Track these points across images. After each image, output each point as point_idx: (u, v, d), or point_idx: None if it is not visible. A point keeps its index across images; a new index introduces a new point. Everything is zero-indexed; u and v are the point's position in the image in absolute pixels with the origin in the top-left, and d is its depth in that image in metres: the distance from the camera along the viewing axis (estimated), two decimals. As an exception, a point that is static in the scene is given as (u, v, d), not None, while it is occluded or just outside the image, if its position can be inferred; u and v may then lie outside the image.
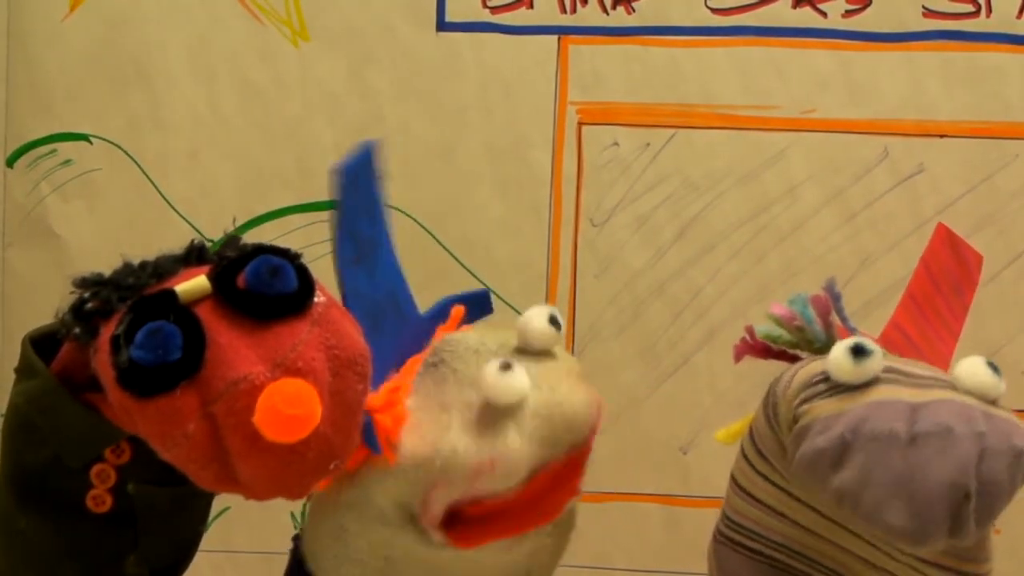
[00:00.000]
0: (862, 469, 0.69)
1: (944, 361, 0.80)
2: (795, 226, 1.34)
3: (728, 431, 0.85)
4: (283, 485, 0.70)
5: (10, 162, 1.37)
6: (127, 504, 0.77)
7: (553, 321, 0.81)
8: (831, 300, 0.80)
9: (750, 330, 0.84)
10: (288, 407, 0.67)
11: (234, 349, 0.68)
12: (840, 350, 0.74)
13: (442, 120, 1.37)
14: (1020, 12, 1.33)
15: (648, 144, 1.35)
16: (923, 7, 1.34)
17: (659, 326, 1.34)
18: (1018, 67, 1.34)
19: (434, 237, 1.34)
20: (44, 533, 0.77)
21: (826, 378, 0.74)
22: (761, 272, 1.33)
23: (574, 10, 1.35)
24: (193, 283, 0.69)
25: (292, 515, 1.34)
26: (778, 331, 0.82)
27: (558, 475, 0.77)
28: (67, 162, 1.36)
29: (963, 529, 0.68)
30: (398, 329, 0.81)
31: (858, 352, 0.73)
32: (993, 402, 0.74)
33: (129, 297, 0.71)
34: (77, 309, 0.72)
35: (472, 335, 0.81)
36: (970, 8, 1.33)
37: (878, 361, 0.73)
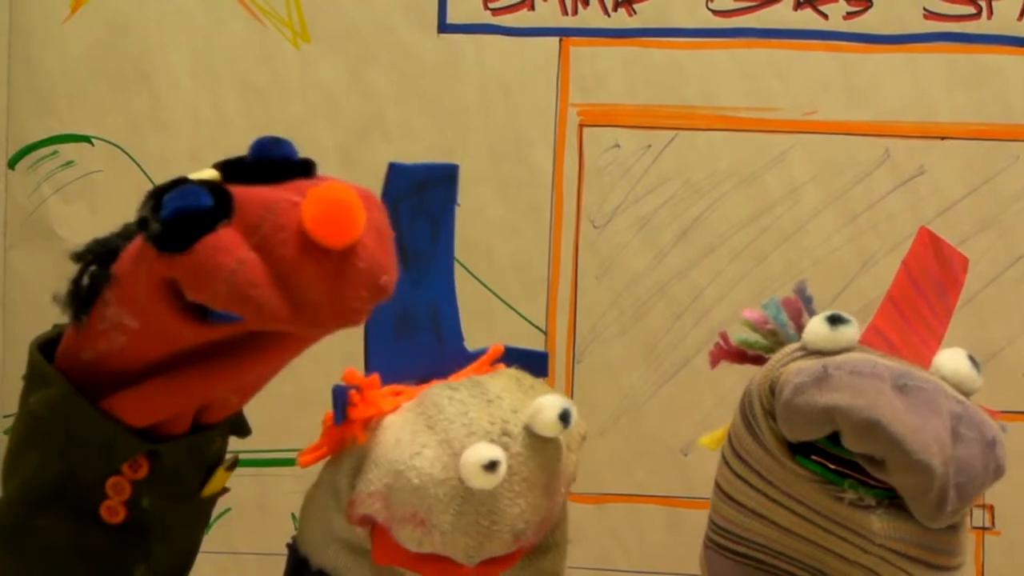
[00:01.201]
0: (850, 389, 0.69)
1: (926, 364, 0.80)
2: (796, 228, 1.34)
3: (712, 436, 0.85)
4: (341, 300, 0.68)
5: (11, 163, 1.37)
6: (141, 517, 0.77)
7: (564, 417, 0.76)
8: (802, 302, 0.81)
9: (724, 336, 0.84)
10: (334, 205, 0.67)
11: (260, 192, 0.68)
12: (816, 320, 0.74)
13: (443, 121, 1.37)
14: (1021, 14, 1.33)
15: (649, 146, 1.35)
16: (924, 9, 1.34)
17: (660, 327, 1.34)
18: (1019, 69, 1.34)
19: (435, 238, 1.34)
20: (56, 541, 0.77)
21: (801, 348, 0.75)
22: (762, 274, 1.33)
23: (575, 12, 1.35)
24: (202, 172, 0.70)
25: (293, 516, 1.34)
26: (752, 336, 0.82)
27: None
28: (69, 163, 1.36)
29: (944, 504, 0.68)
30: (431, 347, 0.81)
31: (834, 320, 0.73)
32: (967, 396, 0.74)
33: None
34: (77, 281, 0.72)
35: (488, 383, 0.79)
36: (971, 10, 1.33)
37: (854, 330, 0.74)
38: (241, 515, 1.36)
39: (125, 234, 0.72)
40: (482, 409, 0.76)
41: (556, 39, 1.36)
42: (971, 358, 0.75)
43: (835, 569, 0.78)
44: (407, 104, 1.37)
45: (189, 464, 0.79)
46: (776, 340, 0.81)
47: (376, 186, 1.35)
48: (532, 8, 1.36)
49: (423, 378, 0.80)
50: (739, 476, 0.80)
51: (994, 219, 1.34)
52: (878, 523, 0.72)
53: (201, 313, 0.69)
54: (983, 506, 1.33)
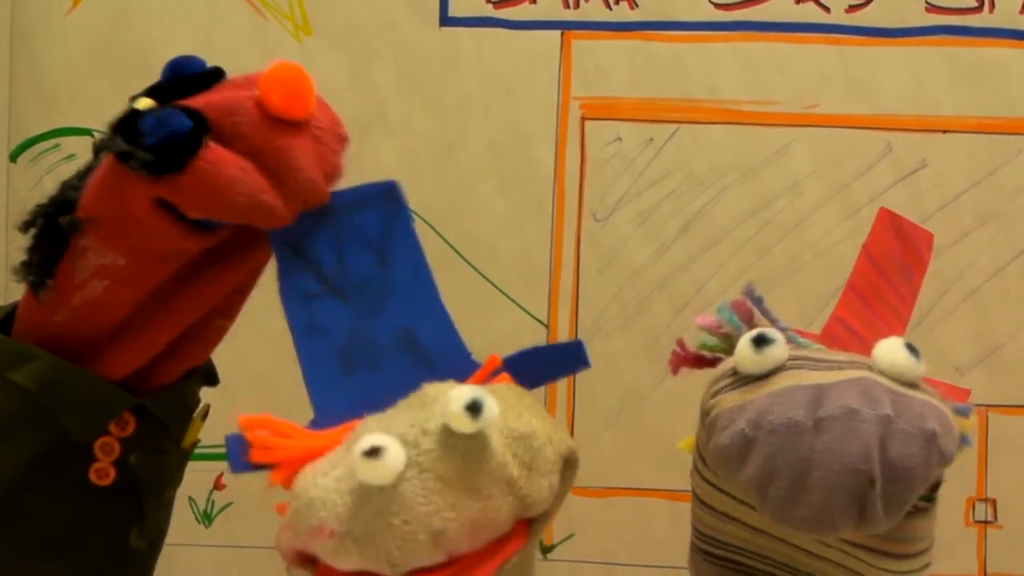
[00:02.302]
0: (765, 462, 0.69)
1: None
2: (798, 221, 1.34)
3: (688, 441, 0.86)
4: (327, 163, 0.72)
5: (13, 157, 1.37)
6: (128, 476, 0.78)
7: (472, 408, 0.72)
8: (752, 303, 0.81)
9: (681, 343, 0.84)
10: (287, 81, 0.71)
11: (214, 100, 0.71)
12: (743, 341, 0.74)
13: (445, 115, 1.37)
14: (1023, 7, 1.33)
15: (651, 139, 1.35)
16: (925, 2, 1.34)
17: (662, 321, 1.34)
18: (1021, 62, 1.34)
19: (437, 232, 1.34)
20: (50, 514, 0.77)
21: (734, 372, 0.75)
22: (764, 267, 1.33)
23: (577, 5, 1.35)
24: (140, 103, 0.72)
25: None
26: (710, 340, 0.82)
27: None
28: (70, 157, 1.36)
29: (871, 516, 0.68)
30: (411, 373, 0.78)
31: (759, 341, 0.73)
32: (913, 384, 0.73)
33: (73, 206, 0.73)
34: (40, 240, 0.74)
35: (435, 388, 0.76)
36: (973, 3, 1.33)
37: (780, 349, 0.73)
38: (243, 508, 1.36)
39: (72, 185, 0.74)
40: (408, 414, 0.73)
41: (558, 32, 1.36)
42: (909, 346, 0.74)
43: (807, 565, 0.78)
44: (408, 97, 1.37)
45: (174, 416, 0.80)
46: (731, 343, 0.81)
47: (377, 180, 1.36)
48: (534, 1, 1.36)
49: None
50: (707, 481, 0.81)
51: (996, 213, 1.34)
52: (820, 533, 0.72)
53: (199, 225, 0.71)
54: (985, 500, 1.33)
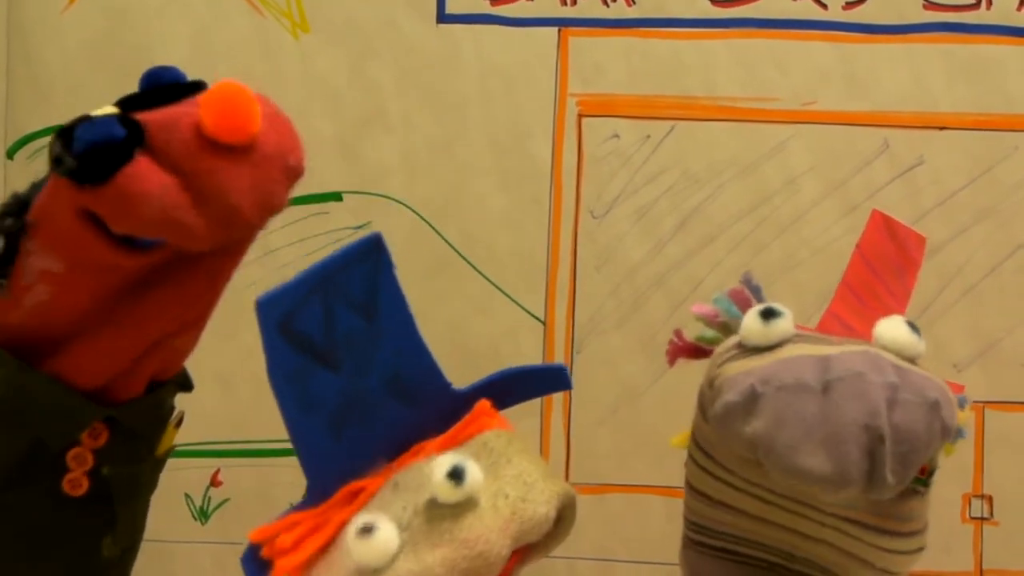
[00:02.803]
0: (774, 416, 0.69)
1: None
2: (795, 218, 1.34)
3: (682, 436, 0.86)
4: (260, 193, 0.70)
5: (10, 154, 1.37)
6: (101, 486, 0.78)
7: (453, 475, 0.73)
8: (750, 292, 0.81)
9: (678, 333, 0.84)
10: (226, 102, 0.69)
11: (159, 114, 0.69)
12: (750, 314, 0.75)
13: (442, 112, 1.37)
14: (1021, 4, 1.33)
15: (648, 136, 1.35)
16: (923, -1, 1.34)
17: (659, 318, 1.34)
18: (1019, 59, 1.34)
19: (434, 229, 1.34)
20: (21, 522, 0.77)
21: (739, 345, 0.75)
22: (762, 264, 1.33)
23: (574, 2, 1.35)
24: (103, 109, 0.71)
25: (291, 506, 1.34)
26: (707, 331, 0.82)
27: None
28: (67, 154, 1.36)
29: (879, 475, 0.68)
30: (398, 419, 0.79)
31: (767, 314, 0.74)
32: (912, 360, 0.74)
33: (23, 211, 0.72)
34: None
35: (430, 466, 0.77)
36: (971, 0, 1.33)
37: (788, 322, 0.74)
38: (240, 506, 1.35)
39: (37, 185, 0.73)
40: (404, 496, 0.75)
41: (555, 29, 1.36)
42: (910, 324, 0.75)
43: (802, 548, 0.78)
44: (406, 94, 1.37)
45: (146, 426, 0.80)
46: (729, 332, 0.81)
47: (377, 179, 1.36)
48: (531, -2, 1.36)
49: (398, 449, 0.79)
50: (704, 469, 0.81)
51: (993, 209, 1.33)
52: (828, 490, 0.72)
53: (126, 242, 0.70)
54: (982, 496, 1.33)
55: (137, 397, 0.78)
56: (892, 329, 0.75)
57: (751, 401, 0.70)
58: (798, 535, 0.77)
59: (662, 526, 1.34)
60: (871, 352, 0.73)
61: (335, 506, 0.76)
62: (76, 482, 0.77)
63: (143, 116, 0.69)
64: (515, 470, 0.77)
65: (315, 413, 0.75)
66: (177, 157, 0.68)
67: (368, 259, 0.77)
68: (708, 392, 0.77)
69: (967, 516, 1.33)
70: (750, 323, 0.75)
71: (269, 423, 1.33)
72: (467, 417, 0.80)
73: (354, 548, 0.71)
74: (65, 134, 0.69)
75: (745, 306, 0.80)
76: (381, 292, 0.78)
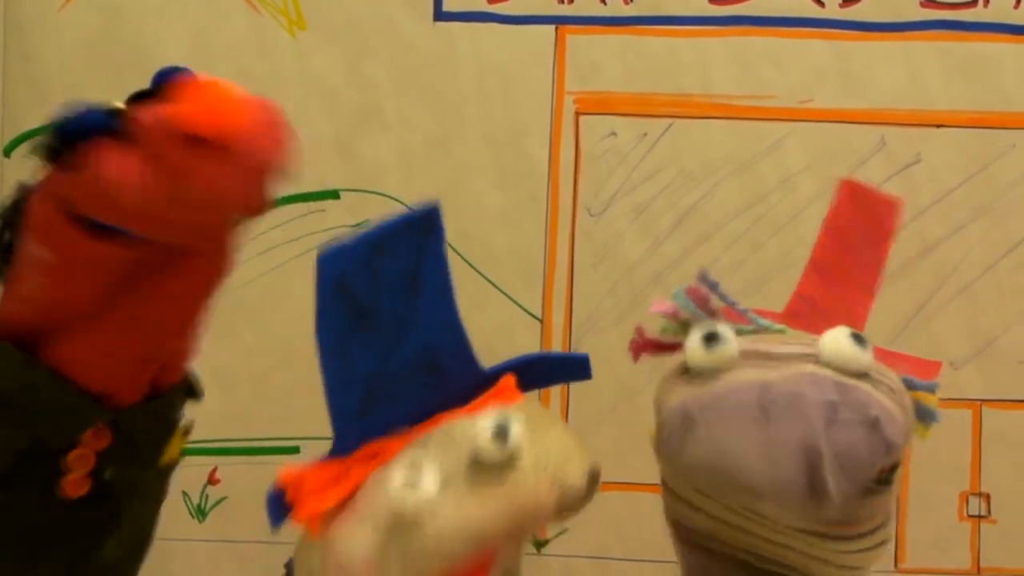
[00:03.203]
0: (711, 442, 0.69)
1: (859, 322, 0.80)
2: (792, 216, 1.34)
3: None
4: (235, 187, 0.69)
5: (7, 151, 1.37)
6: (104, 489, 0.78)
7: (499, 433, 0.74)
8: (707, 288, 0.81)
9: (639, 329, 0.84)
10: (209, 98, 0.69)
11: (154, 108, 0.69)
12: (694, 338, 0.75)
13: (439, 110, 1.37)
14: (1018, 2, 1.33)
15: (645, 134, 1.35)
16: (920, -3, 1.34)
17: (656, 316, 1.34)
18: (1015, 57, 1.34)
19: (431, 227, 1.34)
20: (22, 520, 0.77)
21: (685, 368, 0.75)
22: (758, 261, 1.33)
23: (571, 0, 1.35)
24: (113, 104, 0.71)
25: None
26: (670, 327, 0.82)
27: None
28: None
29: (822, 490, 0.68)
30: (425, 391, 0.79)
31: (710, 339, 0.74)
32: (860, 375, 0.73)
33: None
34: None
35: (460, 425, 0.77)
36: (967, -2, 1.34)
37: (731, 346, 0.74)
38: (237, 503, 1.36)
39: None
40: (441, 452, 0.75)
41: (552, 27, 1.36)
42: (855, 336, 0.74)
43: (769, 552, 0.78)
44: (403, 92, 1.37)
45: (150, 431, 0.80)
46: (688, 329, 0.81)
47: (374, 177, 1.36)
48: (528, -4, 1.36)
49: (420, 419, 0.80)
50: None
51: (989, 207, 1.34)
52: (770, 508, 0.72)
53: (105, 232, 0.70)
54: (979, 495, 1.34)
55: (141, 401, 0.78)
56: (835, 343, 0.74)
57: (687, 427, 0.70)
58: (762, 539, 0.77)
59: (659, 524, 1.34)
60: (812, 373, 0.72)
61: (356, 463, 0.76)
62: (77, 483, 0.77)
63: (137, 110, 0.69)
64: (552, 440, 0.78)
65: (352, 375, 0.75)
66: (154, 148, 0.68)
67: (421, 230, 0.77)
68: (657, 395, 0.77)
69: (964, 514, 1.33)
70: (693, 347, 0.74)
71: (267, 422, 1.35)
72: (491, 391, 0.81)
73: (395, 500, 0.71)
74: (55, 129, 0.69)
75: (703, 302, 0.80)
76: (428, 264, 0.78)
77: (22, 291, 0.74)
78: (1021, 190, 1.34)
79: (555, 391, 1.34)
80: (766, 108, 1.35)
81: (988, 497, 1.33)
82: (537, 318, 1.35)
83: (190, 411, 0.85)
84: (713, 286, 0.81)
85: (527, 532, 0.75)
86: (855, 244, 0.83)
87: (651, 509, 1.37)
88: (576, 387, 1.33)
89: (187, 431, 0.84)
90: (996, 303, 1.33)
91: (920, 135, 1.34)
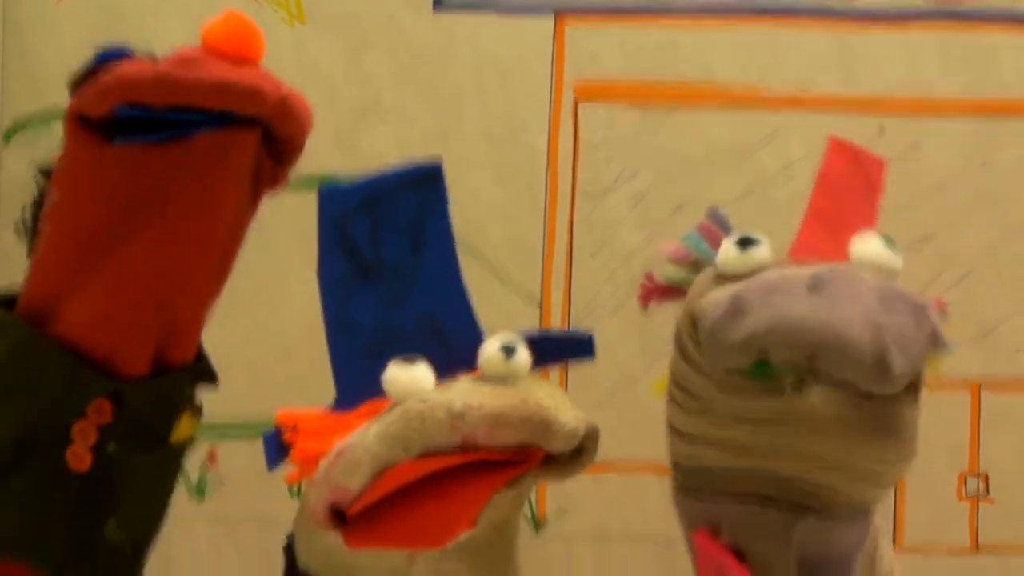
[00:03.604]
0: (766, 311, 0.69)
1: None
2: (791, 203, 1.33)
3: (661, 382, 0.85)
4: (250, 75, 0.73)
5: (7, 137, 1.37)
6: (107, 465, 0.78)
7: (506, 349, 0.76)
8: (719, 226, 0.80)
9: (649, 275, 0.84)
10: (231, 20, 0.74)
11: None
12: (727, 244, 0.74)
13: (438, 99, 1.37)
14: (1016, -9, 1.34)
15: (644, 122, 1.35)
16: (920, -15, 1.34)
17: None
18: (1013, 45, 1.34)
19: (430, 215, 1.34)
20: (23, 492, 0.77)
21: (716, 277, 0.75)
22: (757, 249, 1.33)
23: (570, -12, 1.36)
24: None
25: (288, 486, 1.34)
26: (677, 273, 0.82)
27: (420, 494, 0.73)
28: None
29: (885, 363, 0.68)
30: (429, 350, 0.79)
31: (744, 242, 0.74)
32: (891, 277, 0.73)
33: None
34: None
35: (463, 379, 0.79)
36: (967, -13, 1.34)
37: (765, 249, 0.74)
38: (236, 485, 1.36)
39: None
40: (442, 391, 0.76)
41: (551, 16, 1.36)
42: (886, 238, 0.75)
43: (790, 468, 0.78)
44: (402, 84, 1.37)
45: (154, 408, 0.80)
46: (700, 270, 0.80)
47: (372, 167, 1.35)
48: (526, -16, 1.36)
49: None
50: (685, 409, 0.81)
51: (988, 195, 1.34)
52: (818, 397, 0.71)
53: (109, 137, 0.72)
54: (977, 475, 1.34)
55: (144, 376, 0.78)
56: (868, 247, 0.74)
57: (737, 307, 0.70)
58: (787, 454, 0.77)
59: (658, 504, 1.33)
60: (852, 267, 0.72)
61: (357, 417, 0.77)
62: (80, 457, 0.77)
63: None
64: (548, 388, 0.79)
65: (354, 328, 0.76)
66: (174, 58, 0.72)
67: (423, 186, 0.78)
68: (686, 326, 0.76)
69: (963, 494, 1.33)
70: (727, 252, 0.74)
71: (265, 403, 1.34)
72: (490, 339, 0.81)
73: (390, 376, 0.73)
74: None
75: (715, 240, 0.80)
76: (430, 225, 0.79)
77: (38, 251, 0.75)
78: (1019, 177, 1.34)
79: (554, 378, 1.34)
80: (765, 96, 1.35)
81: (986, 477, 1.34)
82: (536, 305, 1.35)
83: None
84: (723, 222, 0.81)
85: (506, 429, 0.75)
86: (848, 196, 0.84)
87: (650, 491, 1.37)
88: (575, 372, 1.33)
89: (198, 412, 0.84)
90: (995, 291, 1.33)
91: (919, 123, 1.34)
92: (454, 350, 0.80)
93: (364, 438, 0.72)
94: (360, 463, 0.72)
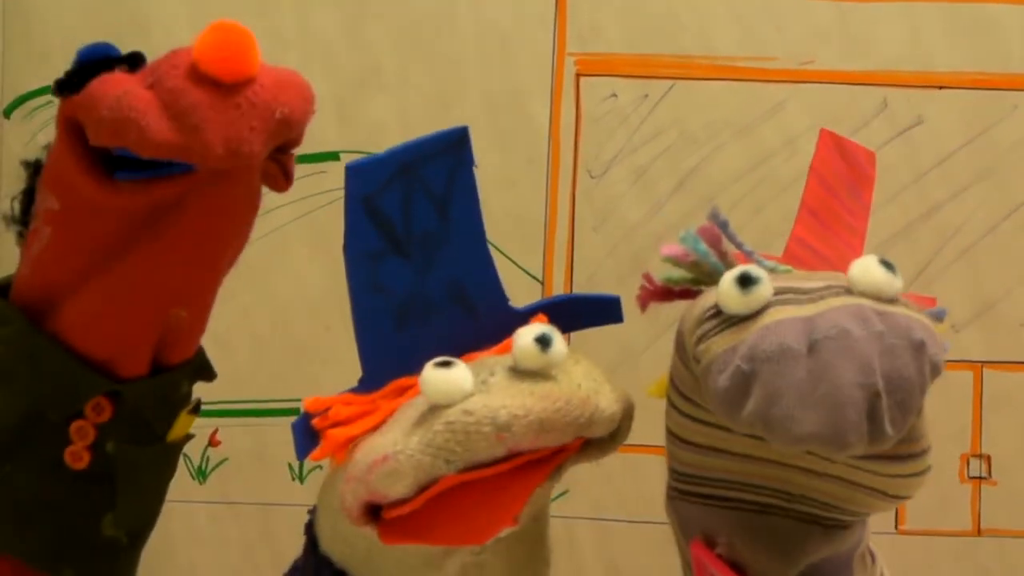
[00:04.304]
0: (765, 391, 0.68)
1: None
2: (794, 178, 1.33)
3: (658, 385, 0.85)
4: (228, 125, 0.69)
5: (7, 113, 1.37)
6: (105, 462, 0.78)
7: (541, 340, 0.75)
8: (719, 228, 0.80)
9: (648, 276, 0.84)
10: (224, 37, 0.69)
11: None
12: (727, 281, 0.73)
13: (439, 71, 1.36)
14: (1021, -37, 1.33)
15: (646, 95, 1.35)
16: (923, -44, 1.33)
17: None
18: (1018, 18, 1.33)
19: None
20: (21, 485, 0.77)
21: (717, 312, 0.74)
22: (760, 224, 1.33)
23: (572, -40, 1.35)
24: None
25: (290, 466, 1.35)
26: (676, 271, 0.82)
27: (462, 499, 0.72)
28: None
29: (880, 431, 0.68)
30: (457, 324, 0.79)
31: (745, 281, 0.73)
32: (892, 301, 0.73)
33: None
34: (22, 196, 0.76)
35: (493, 357, 0.78)
36: (970, -42, 1.33)
37: (767, 287, 0.73)
38: (237, 465, 1.36)
39: None
40: (478, 370, 0.75)
41: (552, -14, 1.35)
42: (884, 263, 0.74)
43: (801, 485, 0.78)
44: (403, 53, 1.36)
45: (153, 407, 0.80)
46: (700, 271, 0.80)
47: (374, 138, 1.35)
48: (528, -44, 1.35)
49: (451, 355, 0.79)
50: (688, 416, 0.80)
51: (991, 169, 1.33)
52: (831, 452, 0.72)
53: (109, 171, 0.71)
54: (980, 456, 1.34)
55: (143, 375, 0.78)
56: (867, 272, 0.73)
57: (743, 384, 0.70)
58: (798, 470, 0.77)
59: (659, 485, 1.34)
60: (852, 305, 0.72)
61: (385, 397, 0.76)
62: (77, 455, 0.77)
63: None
64: (584, 368, 0.78)
65: (381, 300, 0.75)
66: (159, 76, 0.69)
67: (451, 152, 0.77)
68: (690, 344, 0.76)
69: (965, 476, 1.34)
70: (729, 291, 0.73)
71: (267, 383, 1.35)
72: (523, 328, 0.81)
73: (427, 380, 0.71)
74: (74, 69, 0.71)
75: (715, 242, 0.80)
76: (456, 189, 0.78)
77: (33, 252, 0.74)
78: (1023, 152, 1.34)
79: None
80: (768, 70, 1.34)
81: (989, 459, 1.34)
82: (538, 280, 1.35)
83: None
84: (724, 226, 0.80)
85: (552, 434, 0.74)
86: (840, 192, 0.84)
87: (650, 471, 1.37)
88: (576, 349, 1.33)
89: (195, 409, 0.84)
90: (998, 266, 1.33)
91: (922, 97, 1.34)
92: (480, 316, 0.80)
93: (406, 443, 0.70)
94: (402, 474, 0.70)
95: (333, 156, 1.35)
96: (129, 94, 0.67)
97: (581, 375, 0.78)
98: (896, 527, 1.33)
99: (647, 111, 1.35)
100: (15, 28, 1.37)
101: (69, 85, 0.69)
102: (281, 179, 0.77)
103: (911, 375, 0.69)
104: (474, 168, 0.79)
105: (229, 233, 0.77)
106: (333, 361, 1.30)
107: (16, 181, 1.41)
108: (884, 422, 0.68)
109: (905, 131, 1.34)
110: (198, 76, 0.68)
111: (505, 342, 0.79)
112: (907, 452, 0.74)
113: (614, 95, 1.35)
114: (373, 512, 0.73)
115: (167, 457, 0.84)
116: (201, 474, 1.35)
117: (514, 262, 1.35)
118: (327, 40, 1.37)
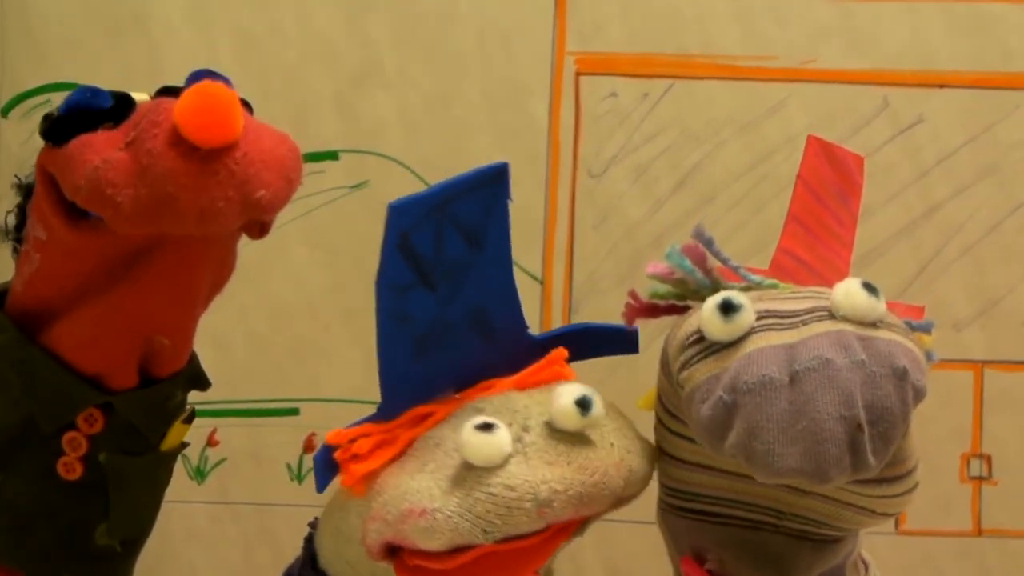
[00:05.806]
0: (746, 424, 0.69)
1: (841, 274, 0.80)
2: (794, 176, 1.33)
3: (647, 398, 0.86)
4: (203, 195, 0.68)
5: (5, 111, 1.36)
6: (98, 473, 0.78)
7: (581, 404, 0.76)
8: (703, 246, 0.80)
9: (633, 293, 0.84)
10: (206, 102, 0.68)
11: (162, 99, 0.70)
12: (709, 308, 0.74)
13: (440, 69, 1.36)
14: (1022, -39, 1.33)
15: (646, 94, 1.34)
16: (924, -45, 1.33)
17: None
18: (1019, 17, 1.33)
19: (430, 186, 1.34)
20: (15, 499, 0.77)
21: (700, 338, 0.74)
22: (760, 223, 1.32)
23: (572, -42, 1.35)
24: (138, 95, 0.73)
25: (288, 466, 1.34)
26: (662, 288, 0.82)
27: (489, 560, 0.73)
28: (62, 111, 1.35)
29: (863, 462, 0.68)
30: (474, 350, 0.80)
31: (727, 309, 0.73)
32: (875, 324, 0.73)
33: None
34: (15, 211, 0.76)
35: (519, 397, 0.79)
36: (972, -44, 1.33)
37: (748, 314, 0.73)
38: (236, 465, 1.35)
39: None
40: (507, 417, 0.76)
41: (551, -17, 1.35)
42: (866, 286, 0.74)
43: (791, 504, 0.78)
44: (404, 50, 1.36)
45: (146, 417, 0.80)
46: (686, 287, 0.81)
47: (373, 134, 1.35)
48: (528, -46, 1.35)
49: (467, 382, 0.80)
50: (676, 433, 0.81)
51: (993, 168, 1.33)
52: (814, 485, 0.72)
53: (80, 214, 0.71)
54: (980, 456, 1.33)
55: (134, 387, 0.78)
56: (849, 297, 0.73)
57: (725, 415, 0.70)
58: (789, 490, 0.77)
59: (657, 485, 1.34)
60: (833, 332, 0.72)
61: (404, 425, 0.77)
62: (70, 466, 0.77)
63: (149, 100, 0.71)
64: (615, 424, 0.79)
65: (406, 331, 0.76)
66: (139, 134, 0.68)
67: (489, 188, 0.78)
68: (675, 366, 0.76)
69: (966, 476, 1.33)
70: (711, 319, 0.74)
71: (265, 383, 1.35)
72: (542, 362, 0.82)
73: (469, 442, 0.72)
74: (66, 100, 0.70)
75: (700, 260, 0.80)
76: (492, 222, 0.79)
77: (24, 273, 0.75)
78: (1025, 151, 1.34)
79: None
80: (769, 68, 1.34)
81: (989, 459, 1.33)
82: (537, 279, 1.35)
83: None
84: (708, 243, 0.80)
85: (591, 507, 0.76)
86: (828, 199, 0.84)
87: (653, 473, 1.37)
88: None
89: (189, 418, 0.84)
90: (1000, 264, 1.33)
91: (924, 95, 1.34)
92: (497, 343, 0.81)
93: (445, 503, 0.71)
94: (439, 532, 0.71)
95: (332, 156, 1.35)
96: (107, 164, 0.67)
97: (613, 433, 0.79)
98: (896, 527, 1.33)
99: (647, 110, 1.34)
100: (14, 26, 1.37)
101: (54, 135, 0.69)
102: (256, 231, 0.77)
103: (893, 405, 0.69)
104: (509, 203, 0.79)
105: (204, 274, 0.77)
106: (332, 361, 1.31)
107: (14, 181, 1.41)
108: (867, 453, 0.68)
109: (906, 130, 1.34)
110: (177, 139, 0.67)
111: (523, 372, 0.80)
112: (893, 475, 0.74)
113: (614, 94, 1.35)
114: (392, 549, 0.74)
115: (161, 466, 0.84)
116: (199, 474, 1.34)
117: (514, 261, 1.34)
118: (327, 38, 1.36)
